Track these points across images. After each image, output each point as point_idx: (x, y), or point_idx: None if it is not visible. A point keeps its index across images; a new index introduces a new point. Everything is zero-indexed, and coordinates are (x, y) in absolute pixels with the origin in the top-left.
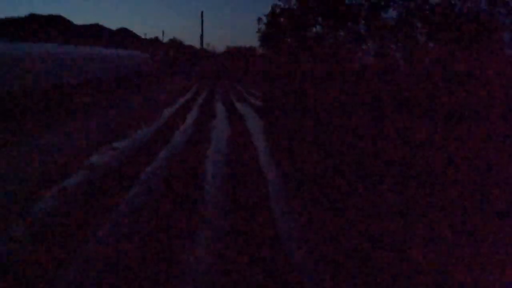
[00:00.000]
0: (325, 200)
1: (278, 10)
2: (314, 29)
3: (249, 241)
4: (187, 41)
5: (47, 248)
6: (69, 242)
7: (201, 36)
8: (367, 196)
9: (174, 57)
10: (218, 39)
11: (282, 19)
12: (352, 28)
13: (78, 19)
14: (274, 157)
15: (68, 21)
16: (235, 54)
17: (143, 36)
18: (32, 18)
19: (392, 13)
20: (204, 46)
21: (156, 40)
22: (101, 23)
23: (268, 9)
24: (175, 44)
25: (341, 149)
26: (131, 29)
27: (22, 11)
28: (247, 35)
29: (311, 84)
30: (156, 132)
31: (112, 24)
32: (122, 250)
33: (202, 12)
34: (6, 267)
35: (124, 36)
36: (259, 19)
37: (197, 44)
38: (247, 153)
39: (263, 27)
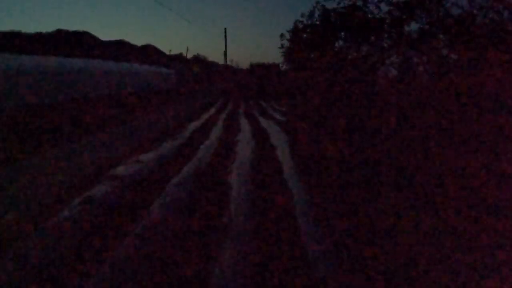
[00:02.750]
0: (346, 209)
1: (301, 26)
2: (336, 44)
3: (276, 253)
4: (211, 57)
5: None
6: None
7: (225, 52)
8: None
9: (198, 73)
10: (242, 55)
11: (305, 35)
12: (375, 42)
13: (104, 35)
14: (297, 169)
15: (94, 36)
16: (258, 70)
17: (167, 52)
18: (59, 33)
19: (414, 26)
20: (228, 62)
21: (180, 56)
22: (126, 39)
23: (290, 25)
24: (199, 60)
25: (362, 164)
26: (155, 45)
27: (49, 27)
28: (270, 51)
29: (334, 99)
30: (183, 144)
31: (137, 40)
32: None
33: (225, 29)
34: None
35: (148, 52)
36: (282, 35)
37: (220, 60)
38: (271, 165)
39: (286, 43)
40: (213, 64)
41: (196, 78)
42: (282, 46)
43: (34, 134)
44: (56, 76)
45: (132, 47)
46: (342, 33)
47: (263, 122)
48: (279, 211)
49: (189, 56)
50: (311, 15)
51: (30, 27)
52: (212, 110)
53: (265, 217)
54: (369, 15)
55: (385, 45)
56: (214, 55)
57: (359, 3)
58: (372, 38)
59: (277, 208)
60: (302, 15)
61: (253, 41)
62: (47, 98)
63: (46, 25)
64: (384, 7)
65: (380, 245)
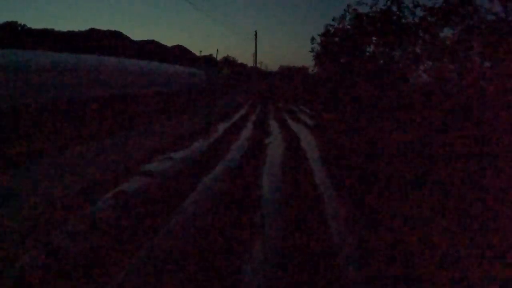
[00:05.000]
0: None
1: (332, 30)
2: (368, 48)
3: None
4: (240, 59)
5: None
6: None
7: (254, 55)
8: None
9: (228, 74)
10: (271, 57)
11: (336, 39)
12: (408, 48)
13: (136, 35)
14: (326, 169)
15: (126, 36)
16: (287, 73)
17: (197, 54)
18: (92, 32)
19: (447, 32)
20: (257, 64)
21: (210, 57)
22: (157, 39)
23: (321, 29)
24: (228, 62)
25: (393, 167)
26: (186, 47)
27: (82, 26)
28: (299, 54)
29: (365, 103)
30: (216, 141)
31: (168, 40)
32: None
33: (255, 32)
34: None
35: (179, 53)
36: (312, 39)
37: (250, 63)
38: (301, 165)
39: (316, 46)
40: (242, 66)
41: (226, 80)
42: (312, 50)
43: (65, 129)
44: (90, 73)
45: (162, 47)
46: (374, 38)
47: (293, 126)
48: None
49: (219, 58)
50: (342, 19)
51: (63, 25)
52: (242, 111)
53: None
54: (403, 20)
55: (418, 51)
56: (244, 57)
57: (394, 8)
58: (406, 43)
59: None
60: (334, 19)
61: (283, 44)
62: (80, 94)
63: (79, 24)
64: (418, 12)
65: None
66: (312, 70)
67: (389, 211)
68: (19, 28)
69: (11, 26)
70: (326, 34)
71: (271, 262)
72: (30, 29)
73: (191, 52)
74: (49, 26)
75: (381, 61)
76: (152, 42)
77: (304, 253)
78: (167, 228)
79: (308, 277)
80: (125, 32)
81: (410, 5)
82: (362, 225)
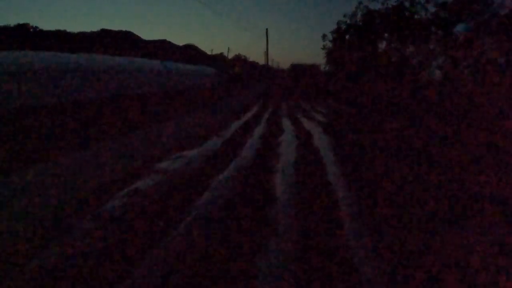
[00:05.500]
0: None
1: (343, 27)
2: (380, 45)
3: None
4: (252, 57)
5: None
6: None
7: (266, 53)
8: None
9: (239, 72)
10: (282, 55)
11: (347, 36)
12: (421, 44)
13: (147, 35)
14: (339, 167)
15: (137, 36)
16: (299, 70)
17: (209, 52)
18: (104, 33)
19: (460, 28)
20: (269, 62)
21: (221, 56)
22: (168, 39)
23: (332, 26)
24: (240, 60)
25: (406, 165)
26: (197, 45)
27: (94, 26)
28: (311, 52)
29: (377, 100)
30: (229, 140)
31: (179, 40)
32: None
33: (267, 29)
34: None
35: (190, 52)
36: (324, 36)
37: (261, 60)
38: (314, 163)
39: (328, 43)
40: (253, 64)
41: (237, 78)
42: (324, 47)
43: (75, 130)
44: (102, 73)
45: (174, 46)
46: (386, 34)
47: (305, 123)
48: None
49: (230, 56)
50: (353, 15)
51: (75, 26)
52: (254, 109)
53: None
54: (415, 16)
55: (431, 46)
56: (255, 55)
57: (406, 3)
58: (418, 39)
59: None
60: (345, 16)
61: (294, 42)
62: (92, 94)
63: (91, 25)
64: (431, 8)
65: None
66: (324, 68)
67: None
68: (31, 30)
69: (23, 28)
70: (337, 31)
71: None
72: (41, 31)
73: (202, 51)
74: (61, 28)
75: (393, 58)
76: (163, 41)
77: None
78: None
79: None
80: (136, 32)
81: (423, 1)
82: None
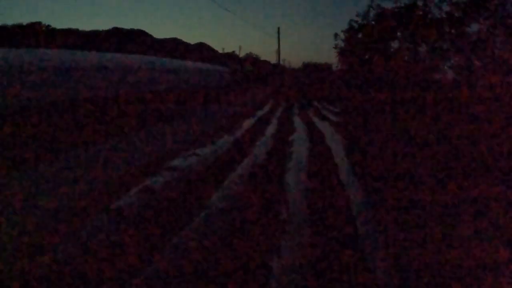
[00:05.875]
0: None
1: (355, 26)
2: (392, 45)
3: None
4: (263, 56)
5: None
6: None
7: (278, 52)
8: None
9: (251, 71)
10: (294, 54)
11: (359, 35)
12: (434, 43)
13: (158, 33)
14: (350, 166)
15: (149, 34)
16: (311, 69)
17: (220, 51)
18: (116, 31)
19: (474, 27)
20: (280, 61)
21: (232, 54)
22: (180, 37)
23: (345, 25)
24: (251, 58)
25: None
26: (209, 44)
27: (106, 25)
28: (322, 51)
29: (389, 100)
30: (241, 138)
31: (191, 38)
32: None
33: (278, 28)
34: None
35: (202, 50)
36: (336, 35)
37: (273, 59)
38: (325, 159)
39: (340, 42)
40: (265, 63)
41: (249, 77)
42: (336, 46)
43: (90, 125)
44: (115, 71)
45: (185, 45)
46: (399, 34)
47: (317, 122)
48: None
49: (242, 54)
50: (366, 14)
51: (87, 25)
52: (266, 108)
53: None
54: (429, 15)
55: (445, 46)
56: (267, 54)
57: (420, 2)
58: (431, 39)
59: None
60: (357, 15)
61: (306, 41)
62: (106, 91)
63: (103, 23)
64: (445, 7)
65: None
66: (336, 67)
67: None
68: (44, 29)
69: (36, 27)
70: (350, 30)
71: None
72: (54, 29)
73: (213, 49)
74: (73, 26)
75: (406, 57)
76: (174, 40)
77: None
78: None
79: None
80: (148, 30)
81: (436, 0)
82: None
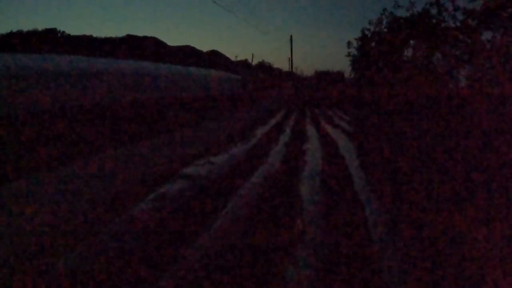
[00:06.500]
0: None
1: (368, 34)
2: (406, 52)
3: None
4: (276, 64)
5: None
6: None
7: (290, 60)
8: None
9: (263, 79)
10: (307, 62)
11: (372, 43)
12: (449, 52)
13: (171, 41)
14: (365, 175)
15: (162, 42)
16: (323, 78)
17: (233, 59)
18: (129, 38)
19: (487, 35)
20: (293, 69)
21: (245, 62)
22: (192, 45)
23: (357, 33)
24: (264, 66)
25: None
26: (221, 52)
27: (120, 32)
28: (335, 59)
29: (403, 108)
30: (254, 146)
31: (204, 46)
32: None
33: (291, 36)
34: None
35: (214, 58)
36: (349, 43)
37: (285, 67)
38: (337, 165)
39: (353, 50)
40: (278, 71)
41: (261, 84)
42: (349, 54)
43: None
44: (130, 77)
45: (198, 52)
46: (412, 42)
47: (330, 131)
48: None
49: (254, 62)
50: (379, 22)
51: (100, 31)
52: (278, 116)
53: None
54: (442, 24)
55: (458, 53)
56: (279, 62)
57: (433, 10)
58: (445, 47)
59: None
60: (370, 23)
61: (318, 49)
62: (116, 97)
63: (117, 30)
64: (459, 15)
65: None
66: (350, 75)
67: None
68: (59, 35)
69: (51, 33)
70: (363, 38)
71: None
72: (69, 36)
73: (226, 57)
74: (87, 33)
75: (419, 65)
76: (187, 47)
77: None
78: None
79: None
80: (161, 37)
81: (450, 8)
82: None
